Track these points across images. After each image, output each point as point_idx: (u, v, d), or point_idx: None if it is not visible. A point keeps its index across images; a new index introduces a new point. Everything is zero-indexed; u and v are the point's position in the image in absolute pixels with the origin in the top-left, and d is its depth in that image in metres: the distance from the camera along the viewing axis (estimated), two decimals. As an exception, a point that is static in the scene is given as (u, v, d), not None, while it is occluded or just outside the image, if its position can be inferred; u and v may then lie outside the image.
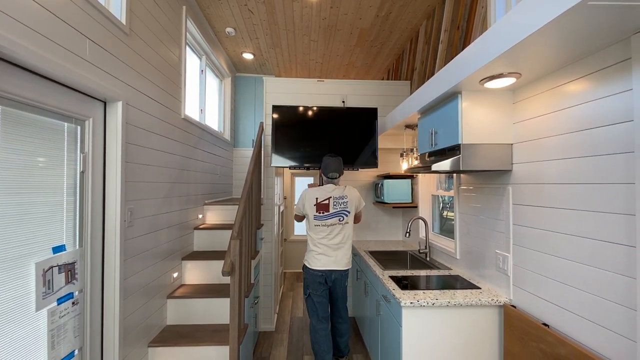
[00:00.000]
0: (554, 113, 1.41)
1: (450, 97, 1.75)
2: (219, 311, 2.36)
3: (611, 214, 1.15)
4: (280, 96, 3.37)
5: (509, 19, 1.15)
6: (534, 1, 1.03)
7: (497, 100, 1.68)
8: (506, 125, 1.69)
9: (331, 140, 3.00)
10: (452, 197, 2.54)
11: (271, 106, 2.98)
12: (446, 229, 2.82)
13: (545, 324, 1.44)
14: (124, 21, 1.77)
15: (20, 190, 1.23)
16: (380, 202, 3.34)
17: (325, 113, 3.01)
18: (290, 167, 3.03)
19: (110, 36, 1.64)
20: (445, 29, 2.62)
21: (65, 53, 1.33)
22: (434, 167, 1.74)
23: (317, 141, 2.98)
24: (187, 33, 2.88)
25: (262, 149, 3.29)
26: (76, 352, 1.52)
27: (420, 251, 2.74)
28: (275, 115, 2.95)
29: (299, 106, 2.99)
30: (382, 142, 3.30)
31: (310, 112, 2.99)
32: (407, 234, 2.68)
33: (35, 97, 1.26)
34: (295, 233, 5.75)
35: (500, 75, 1.43)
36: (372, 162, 3.00)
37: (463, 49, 2.26)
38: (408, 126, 2.71)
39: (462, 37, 2.34)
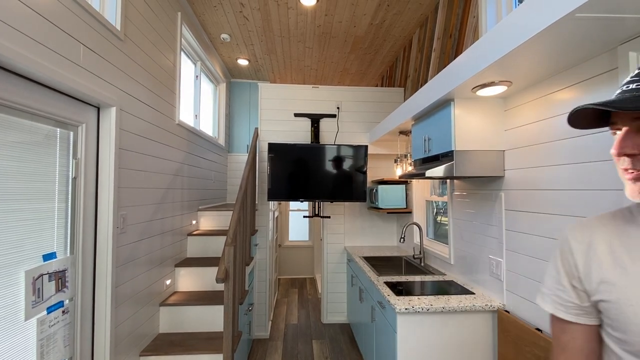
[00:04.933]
0: (545, 120, 1.44)
1: (443, 104, 1.78)
2: (212, 319, 2.33)
3: (601, 219, 1.17)
4: (274, 102, 3.38)
5: (500, 28, 1.18)
6: (524, 12, 1.06)
7: (489, 108, 1.71)
8: (498, 132, 1.72)
9: (324, 176, 3.12)
10: (446, 202, 2.56)
11: (267, 144, 3.14)
12: (440, 234, 2.84)
13: (538, 329, 1.46)
14: (118, 27, 1.77)
15: (11, 197, 1.21)
16: (374, 208, 3.35)
17: (318, 149, 3.13)
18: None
19: (104, 42, 1.64)
20: (438, 37, 2.67)
21: (59, 58, 1.33)
22: (428, 173, 1.75)
23: (310, 178, 3.12)
24: (182, 39, 2.88)
25: (257, 154, 3.29)
26: (66, 362, 1.49)
27: (415, 256, 2.75)
28: (271, 154, 3.08)
29: (295, 144, 3.11)
30: (377, 148, 3.33)
31: (304, 149, 3.12)
32: (402, 240, 2.69)
33: (27, 102, 1.25)
34: (290, 239, 5.73)
35: (491, 84, 1.45)
36: (362, 197, 3.13)
37: (455, 57, 2.30)
38: (402, 132, 2.74)
39: (454, 45, 2.38)
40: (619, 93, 0.56)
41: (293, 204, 5.78)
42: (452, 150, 1.69)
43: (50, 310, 1.38)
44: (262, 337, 3.22)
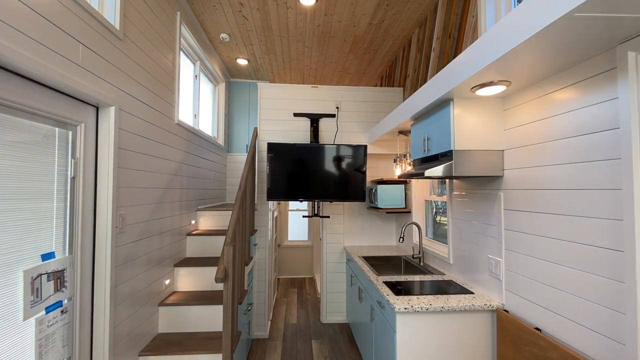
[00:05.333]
0: (543, 120, 1.44)
1: (443, 104, 1.78)
2: (212, 318, 2.33)
3: (599, 219, 1.17)
4: (274, 102, 3.38)
5: (499, 28, 1.18)
6: (523, 11, 1.06)
7: (488, 108, 1.71)
8: (497, 132, 1.72)
9: (324, 175, 3.11)
10: (445, 202, 2.56)
11: (266, 144, 3.13)
12: (439, 234, 2.84)
13: (537, 328, 1.46)
14: (117, 26, 1.76)
15: (9, 196, 1.21)
16: (374, 207, 3.35)
17: (318, 149, 3.12)
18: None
19: (103, 41, 1.63)
20: (437, 37, 2.67)
21: (58, 58, 1.32)
22: (427, 172, 1.75)
23: (309, 178, 3.11)
24: (181, 38, 2.88)
25: (256, 154, 3.29)
26: (64, 362, 1.48)
27: (414, 256, 2.75)
28: (270, 154, 3.07)
29: (294, 143, 3.10)
30: (376, 148, 3.33)
31: (303, 149, 3.11)
32: (401, 239, 2.69)
33: (26, 101, 1.24)
34: (289, 238, 5.72)
35: (490, 83, 1.45)
36: (361, 197, 3.13)
37: (454, 56, 2.31)
38: (401, 132, 2.74)
39: (454, 45, 2.38)
40: None
41: (292, 204, 5.77)
42: (451, 150, 1.69)
43: (48, 310, 1.38)
44: (262, 337, 3.22)
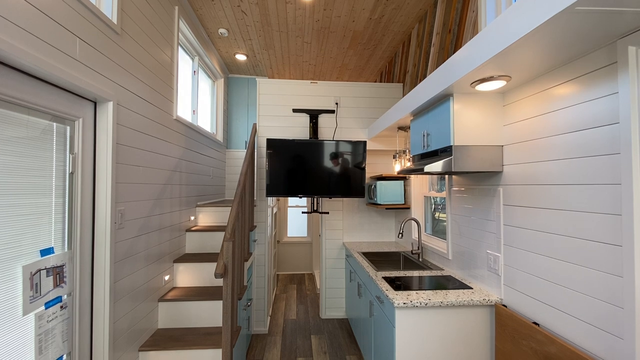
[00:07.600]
0: (543, 115, 1.44)
1: (442, 99, 1.78)
2: (211, 314, 2.34)
3: (598, 214, 1.17)
4: (273, 98, 3.37)
5: (499, 23, 1.17)
6: (523, 6, 1.05)
7: (488, 103, 1.71)
8: (497, 127, 1.71)
9: (323, 171, 3.12)
10: (444, 198, 2.57)
11: (266, 140, 3.14)
12: (438, 229, 2.85)
13: (535, 323, 1.47)
14: (115, 20, 1.75)
15: (7, 192, 1.20)
16: (373, 204, 3.36)
17: (317, 145, 3.12)
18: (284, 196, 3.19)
19: (101, 35, 1.62)
20: (437, 32, 2.65)
21: (55, 52, 1.31)
22: (427, 168, 1.75)
23: (309, 174, 3.12)
24: (180, 33, 2.86)
25: (255, 150, 3.28)
26: (64, 357, 1.49)
27: (413, 252, 2.76)
28: (269, 150, 3.07)
29: (293, 139, 3.09)
30: (375, 144, 3.33)
31: (302, 145, 3.11)
32: (400, 235, 2.70)
33: (22, 96, 1.23)
34: (289, 235, 5.73)
35: (490, 78, 1.45)
36: (361, 193, 3.14)
37: (454, 52, 2.30)
38: (401, 128, 2.73)
39: (454, 40, 2.37)
40: None
41: (292, 200, 5.78)
42: (451, 146, 1.69)
43: (48, 305, 1.38)
44: (261, 333, 3.23)
